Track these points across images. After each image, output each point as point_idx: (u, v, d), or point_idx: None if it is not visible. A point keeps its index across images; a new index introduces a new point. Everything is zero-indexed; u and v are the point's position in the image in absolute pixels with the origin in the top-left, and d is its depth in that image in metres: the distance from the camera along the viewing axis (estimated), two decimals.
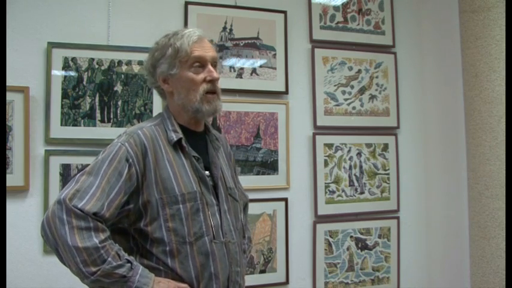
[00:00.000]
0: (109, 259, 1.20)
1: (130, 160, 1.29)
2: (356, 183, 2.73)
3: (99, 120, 2.27)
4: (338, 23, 2.75)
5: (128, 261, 1.24)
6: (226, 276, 1.37)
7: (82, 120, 2.25)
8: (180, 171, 1.35)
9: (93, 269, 1.19)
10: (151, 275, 1.27)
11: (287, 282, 2.55)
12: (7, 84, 2.03)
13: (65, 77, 2.24)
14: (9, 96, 2.11)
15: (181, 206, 1.33)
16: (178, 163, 1.36)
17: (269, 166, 2.55)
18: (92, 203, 1.21)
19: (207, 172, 1.43)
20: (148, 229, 1.31)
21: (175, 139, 1.38)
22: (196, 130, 1.47)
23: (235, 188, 1.55)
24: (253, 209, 2.50)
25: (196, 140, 1.46)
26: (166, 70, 1.41)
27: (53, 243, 1.21)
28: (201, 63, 1.41)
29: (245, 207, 1.77)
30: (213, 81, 1.41)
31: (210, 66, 1.41)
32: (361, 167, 2.74)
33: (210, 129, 1.55)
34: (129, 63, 2.32)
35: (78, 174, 1.29)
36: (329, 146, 2.68)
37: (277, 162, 2.57)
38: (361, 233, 2.73)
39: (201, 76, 1.40)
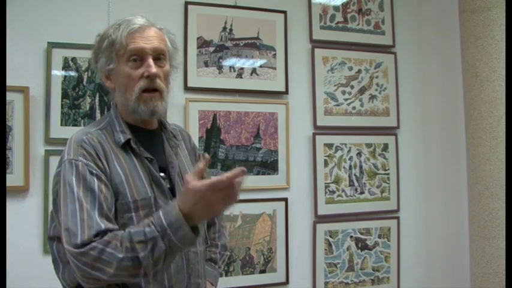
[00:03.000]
0: (132, 237, 1.07)
1: (94, 171, 1.16)
2: (356, 183, 2.73)
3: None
4: (338, 23, 2.75)
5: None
6: None
7: (82, 120, 2.25)
8: (133, 175, 1.20)
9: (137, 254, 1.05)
10: (172, 203, 1.09)
11: (287, 282, 2.55)
12: (7, 84, 2.02)
13: (65, 77, 2.24)
14: (9, 96, 2.11)
15: (133, 214, 1.18)
16: (130, 166, 1.21)
17: (269, 166, 2.55)
18: (86, 231, 1.07)
19: (162, 174, 1.28)
20: None
21: (122, 140, 1.23)
22: (149, 128, 1.32)
23: None
24: (253, 209, 2.50)
25: (151, 138, 1.32)
26: (104, 64, 1.26)
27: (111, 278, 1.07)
28: (139, 56, 1.23)
29: None
30: (150, 77, 1.22)
31: (149, 60, 1.23)
32: (361, 167, 2.74)
33: (166, 126, 1.39)
34: None
35: (55, 215, 1.18)
36: (329, 146, 2.68)
37: (277, 162, 2.57)
38: (361, 233, 2.73)
39: (139, 71, 1.23)
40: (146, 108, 1.24)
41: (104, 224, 1.09)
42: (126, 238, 1.07)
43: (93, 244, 1.06)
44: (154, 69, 1.23)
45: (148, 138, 1.31)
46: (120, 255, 1.05)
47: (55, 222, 1.24)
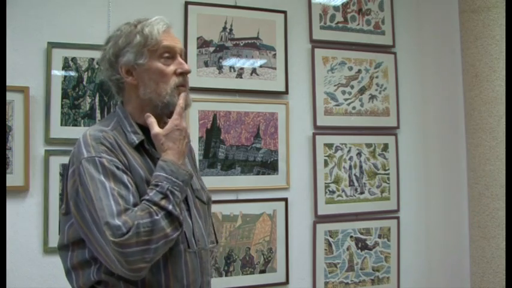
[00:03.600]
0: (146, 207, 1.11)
1: (120, 167, 1.16)
2: (356, 183, 2.73)
3: (99, 120, 2.26)
4: (338, 23, 2.75)
5: (152, 189, 1.14)
6: (198, 287, 1.27)
7: (82, 120, 2.25)
8: (147, 175, 1.21)
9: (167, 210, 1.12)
10: (158, 162, 1.19)
11: (287, 282, 2.55)
12: (7, 84, 2.02)
13: (65, 77, 2.24)
14: (9, 96, 2.11)
15: None
16: (145, 167, 1.23)
17: (269, 166, 2.55)
18: (128, 220, 1.08)
19: None
20: None
21: (136, 141, 1.24)
22: None
23: (201, 189, 1.41)
24: (253, 209, 2.50)
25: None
26: (133, 59, 1.25)
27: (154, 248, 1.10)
28: (170, 53, 1.28)
29: (209, 207, 1.55)
30: (183, 74, 1.29)
31: (180, 58, 1.30)
32: (361, 167, 2.74)
33: None
34: None
35: (77, 216, 1.17)
36: (329, 146, 2.68)
37: (277, 162, 2.57)
38: (361, 233, 2.73)
39: (172, 68, 1.27)
40: (182, 102, 1.28)
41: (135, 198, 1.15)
42: (148, 204, 1.12)
43: (133, 227, 1.07)
44: (187, 66, 1.30)
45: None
46: (157, 217, 1.10)
47: (73, 227, 1.21)
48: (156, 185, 1.15)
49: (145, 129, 1.28)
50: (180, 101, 1.25)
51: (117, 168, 1.15)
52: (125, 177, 1.15)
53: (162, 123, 1.29)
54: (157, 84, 1.26)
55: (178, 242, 1.21)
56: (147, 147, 1.26)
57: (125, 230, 1.06)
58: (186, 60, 1.34)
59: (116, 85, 1.32)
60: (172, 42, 1.29)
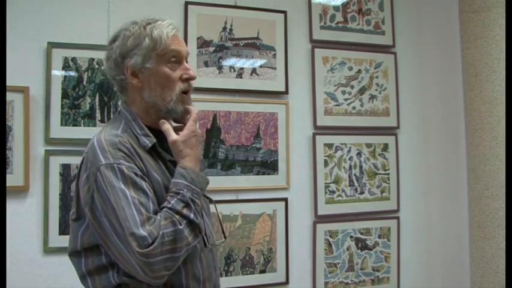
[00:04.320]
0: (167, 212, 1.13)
1: (139, 173, 1.16)
2: (356, 183, 2.73)
3: (99, 120, 2.27)
4: (338, 23, 2.75)
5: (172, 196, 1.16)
6: (212, 282, 1.30)
7: (82, 120, 2.25)
8: (164, 179, 1.22)
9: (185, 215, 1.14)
10: (180, 166, 1.21)
11: (287, 282, 2.55)
12: (7, 84, 2.02)
13: (65, 77, 2.24)
14: (9, 96, 2.11)
15: None
16: (159, 170, 1.23)
17: (269, 166, 2.55)
18: (153, 230, 1.09)
19: None
20: None
21: (149, 145, 1.23)
22: (160, 129, 1.31)
23: None
24: (253, 209, 2.50)
25: (163, 140, 1.30)
26: (140, 63, 1.24)
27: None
28: (177, 58, 1.27)
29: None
30: (189, 80, 1.28)
31: (185, 63, 1.29)
32: (361, 167, 2.74)
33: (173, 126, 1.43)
34: None
35: (93, 222, 1.17)
36: (329, 146, 2.68)
37: (277, 162, 2.56)
38: (361, 233, 2.73)
39: (178, 73, 1.27)
40: (184, 109, 1.29)
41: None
42: (170, 213, 1.13)
43: (158, 237, 1.09)
44: (193, 73, 1.30)
45: (162, 139, 1.30)
46: (180, 227, 1.12)
47: (88, 232, 1.20)
48: (177, 193, 1.16)
49: (152, 130, 1.27)
50: (194, 110, 1.29)
51: (136, 175, 1.15)
52: (144, 184, 1.15)
53: (158, 126, 1.29)
54: (163, 89, 1.25)
55: None
56: (160, 150, 1.25)
57: (150, 240, 1.07)
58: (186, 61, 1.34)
59: (120, 85, 1.31)
60: (179, 46, 1.28)
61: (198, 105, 2.41)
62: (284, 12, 2.62)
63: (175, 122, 1.32)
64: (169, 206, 1.14)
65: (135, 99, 1.29)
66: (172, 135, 1.23)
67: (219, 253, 2.42)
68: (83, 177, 1.18)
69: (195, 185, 1.18)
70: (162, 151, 1.26)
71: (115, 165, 1.13)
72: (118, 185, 1.11)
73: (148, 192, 1.15)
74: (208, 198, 1.38)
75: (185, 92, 1.28)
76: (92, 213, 1.16)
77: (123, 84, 1.30)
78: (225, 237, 1.54)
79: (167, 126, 1.25)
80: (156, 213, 1.13)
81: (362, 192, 2.74)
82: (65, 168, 2.19)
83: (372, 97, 2.79)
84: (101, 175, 1.13)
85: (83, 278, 1.24)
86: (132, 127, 1.26)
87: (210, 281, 1.29)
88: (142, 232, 1.07)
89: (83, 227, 1.21)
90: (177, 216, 1.12)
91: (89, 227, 1.19)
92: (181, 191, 1.16)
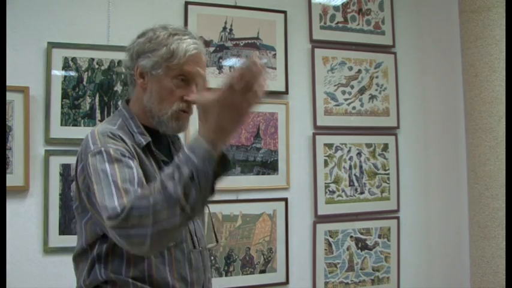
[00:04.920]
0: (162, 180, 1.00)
1: (127, 154, 1.13)
2: (356, 183, 2.73)
3: (99, 120, 2.27)
4: (338, 23, 2.75)
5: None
6: (201, 285, 1.29)
7: (82, 120, 2.25)
8: (155, 177, 1.19)
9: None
10: (195, 135, 1.04)
11: (287, 282, 2.55)
12: (7, 84, 2.02)
13: (65, 77, 2.24)
14: (9, 96, 2.11)
15: None
16: (150, 168, 1.22)
17: (269, 166, 2.55)
18: (124, 199, 1.02)
19: None
20: None
21: (144, 143, 1.23)
22: (157, 129, 1.31)
23: None
24: (253, 209, 2.50)
25: (161, 141, 1.33)
26: (149, 66, 1.25)
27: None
28: (187, 78, 1.26)
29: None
30: (189, 103, 1.25)
31: (194, 87, 1.26)
32: (361, 167, 2.74)
33: None
34: None
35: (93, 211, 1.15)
36: (329, 146, 2.68)
37: (277, 162, 2.56)
38: (361, 233, 2.73)
39: (181, 92, 1.25)
40: (177, 125, 1.26)
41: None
42: (156, 182, 1.01)
43: (128, 205, 1.00)
44: (195, 97, 1.23)
45: (159, 140, 1.31)
46: (152, 200, 0.98)
47: (90, 222, 1.20)
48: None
49: (149, 129, 1.27)
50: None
51: (124, 155, 1.12)
52: (130, 162, 1.11)
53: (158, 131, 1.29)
54: (162, 101, 1.25)
55: (182, 241, 1.23)
56: (154, 150, 1.26)
57: (119, 211, 1.00)
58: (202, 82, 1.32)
59: (130, 79, 1.32)
60: (193, 68, 1.25)
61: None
62: (284, 12, 2.62)
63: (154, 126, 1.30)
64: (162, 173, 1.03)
65: (138, 97, 1.30)
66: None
67: (219, 253, 2.42)
68: (79, 168, 1.19)
69: (194, 156, 1.00)
70: (156, 151, 1.26)
71: (102, 149, 1.12)
72: (101, 166, 1.10)
73: (134, 167, 1.10)
74: None
75: (184, 111, 1.26)
76: (89, 199, 1.16)
77: (132, 79, 1.31)
78: (217, 241, 1.50)
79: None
80: (141, 184, 1.07)
81: (362, 192, 2.74)
82: (65, 168, 2.19)
83: (372, 97, 2.79)
84: (90, 161, 1.12)
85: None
86: (129, 125, 1.26)
87: (198, 283, 1.27)
88: (113, 204, 1.01)
89: (86, 217, 1.21)
90: (156, 186, 0.99)
91: (91, 217, 1.20)
92: (176, 159, 1.03)
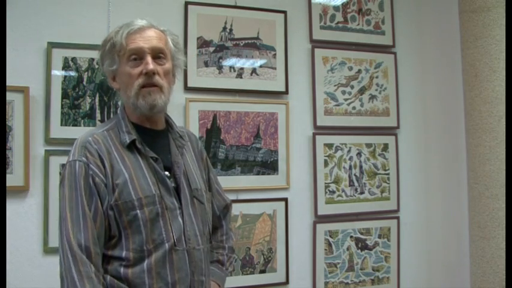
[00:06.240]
0: None
1: (91, 172, 1.23)
2: (356, 183, 2.73)
3: (99, 120, 2.27)
4: (338, 23, 2.75)
5: None
6: (186, 286, 1.27)
7: (82, 120, 2.25)
8: (137, 175, 1.25)
9: None
10: None
11: (287, 282, 2.55)
12: (7, 84, 2.02)
13: (65, 77, 2.24)
14: (9, 96, 2.11)
15: (138, 211, 1.23)
16: (135, 166, 1.27)
17: (269, 166, 2.55)
18: (71, 236, 1.20)
19: (167, 173, 1.32)
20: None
21: (128, 141, 1.28)
22: (154, 128, 1.37)
23: (203, 190, 1.41)
24: (253, 209, 2.50)
25: (156, 138, 1.36)
26: (108, 67, 1.33)
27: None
28: (138, 55, 1.28)
29: (226, 213, 1.63)
30: (148, 74, 1.27)
31: (148, 58, 1.28)
32: (361, 167, 2.74)
33: (174, 127, 1.44)
34: None
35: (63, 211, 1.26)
36: (329, 146, 2.68)
37: (277, 162, 2.56)
38: (361, 233, 2.73)
39: (138, 69, 1.28)
40: (145, 103, 1.28)
41: (85, 240, 1.19)
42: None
43: (72, 260, 1.17)
44: (151, 66, 1.27)
45: (153, 138, 1.35)
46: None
47: None
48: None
49: (140, 128, 1.33)
50: None
51: (86, 173, 1.24)
52: (91, 186, 1.24)
53: (152, 123, 1.35)
54: (127, 87, 1.30)
55: (163, 240, 1.24)
56: (139, 147, 1.29)
57: (66, 242, 1.20)
58: (171, 57, 1.35)
59: (113, 88, 1.42)
60: (138, 43, 1.29)
61: (198, 105, 2.42)
62: (284, 12, 2.62)
63: (146, 119, 1.34)
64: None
65: (122, 98, 1.37)
66: None
67: None
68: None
69: None
70: (142, 147, 1.30)
71: (76, 162, 1.25)
72: (68, 184, 1.25)
73: (88, 217, 1.22)
74: (199, 200, 1.37)
75: (146, 86, 1.28)
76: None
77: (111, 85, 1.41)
78: (210, 241, 1.48)
79: None
80: (86, 226, 1.21)
81: (362, 192, 2.74)
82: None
83: (372, 97, 2.79)
84: (67, 171, 1.26)
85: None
86: (120, 125, 1.33)
87: (181, 284, 1.26)
88: (65, 230, 1.21)
89: None
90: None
91: None
92: None
